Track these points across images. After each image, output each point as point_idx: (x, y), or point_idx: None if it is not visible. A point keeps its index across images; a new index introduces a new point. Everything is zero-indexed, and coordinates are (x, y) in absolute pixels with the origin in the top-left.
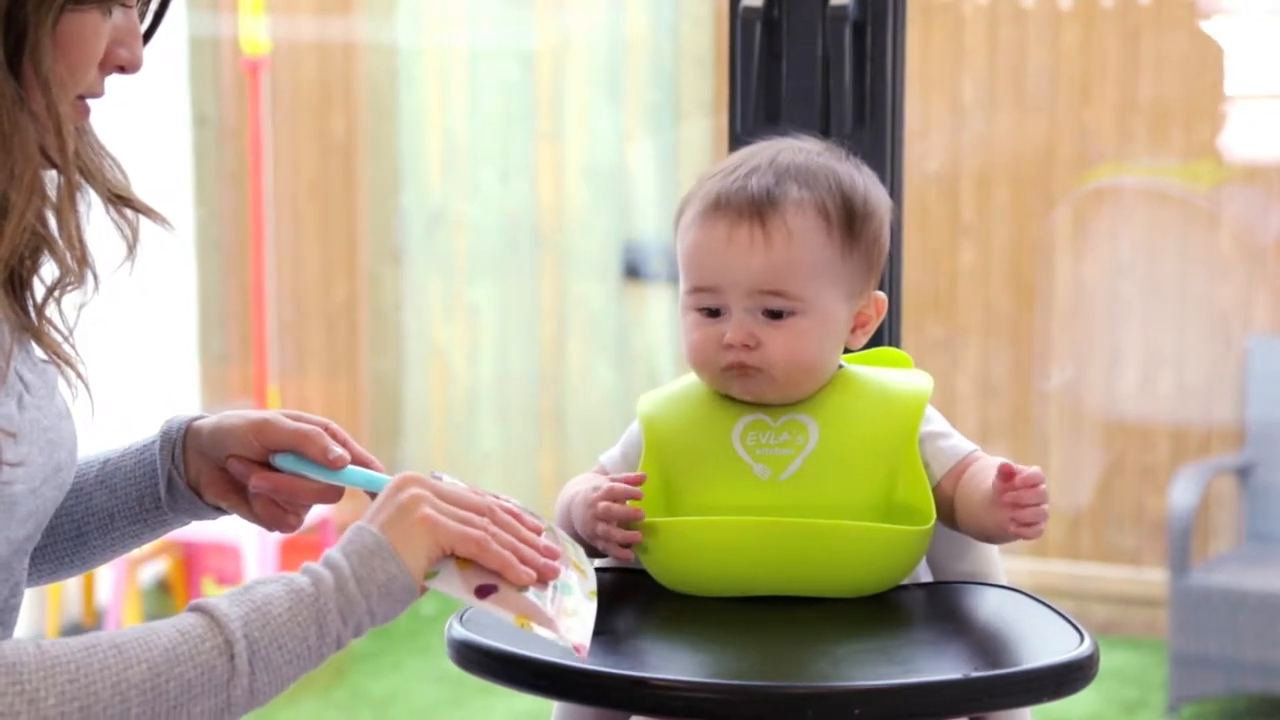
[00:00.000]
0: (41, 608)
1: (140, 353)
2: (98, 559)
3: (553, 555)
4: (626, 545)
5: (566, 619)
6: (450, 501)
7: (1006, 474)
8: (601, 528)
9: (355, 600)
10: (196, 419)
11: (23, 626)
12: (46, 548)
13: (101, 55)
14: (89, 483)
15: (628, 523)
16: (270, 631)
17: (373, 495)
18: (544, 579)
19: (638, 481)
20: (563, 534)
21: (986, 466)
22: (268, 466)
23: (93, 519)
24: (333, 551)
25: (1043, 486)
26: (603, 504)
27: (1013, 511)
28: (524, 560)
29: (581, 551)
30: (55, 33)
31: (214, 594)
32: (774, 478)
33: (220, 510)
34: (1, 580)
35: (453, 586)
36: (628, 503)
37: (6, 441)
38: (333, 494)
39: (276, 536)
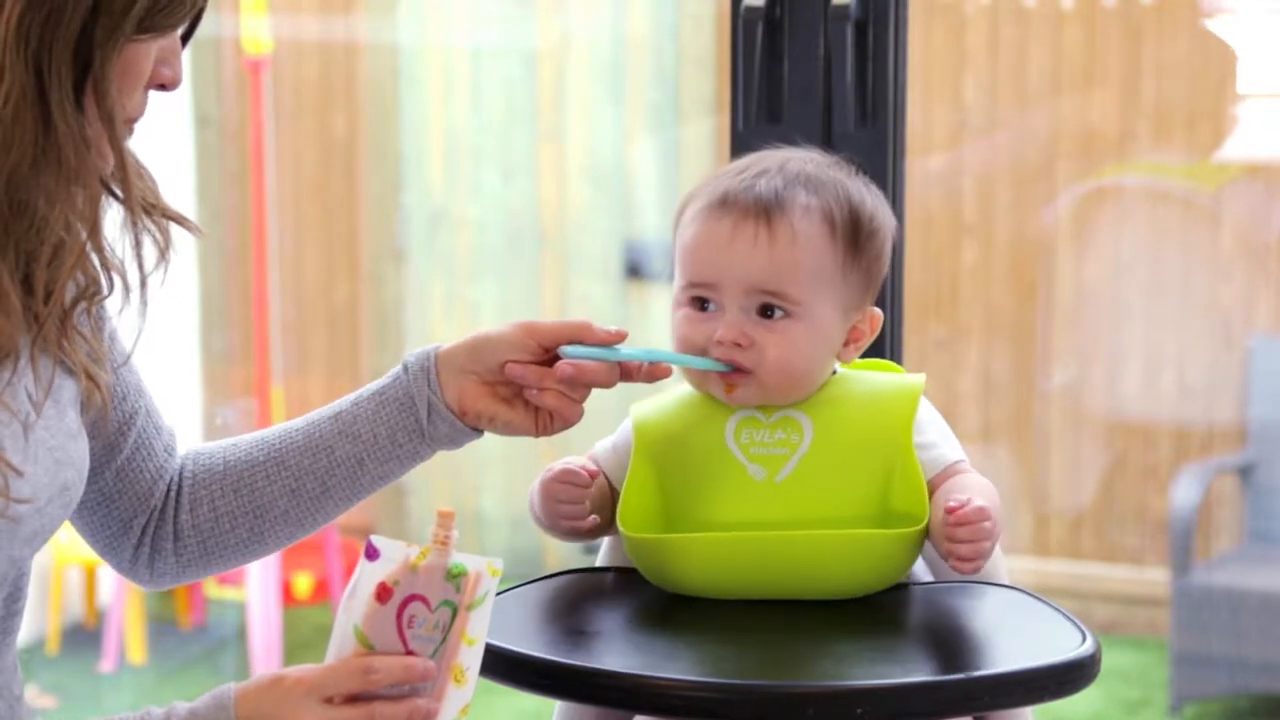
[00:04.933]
0: (43, 609)
1: (141, 352)
2: (340, 509)
3: (432, 717)
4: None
5: None
6: None
7: (949, 510)
8: (558, 509)
9: None
10: (438, 347)
11: (24, 629)
12: (288, 512)
13: (149, 77)
14: (326, 437)
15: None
16: None
17: (647, 371)
18: None
19: (586, 482)
20: (476, 573)
21: (958, 487)
22: (543, 365)
23: (338, 470)
24: None
25: (984, 524)
26: (557, 486)
27: (950, 546)
28: None
29: (484, 612)
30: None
31: (215, 594)
32: (769, 479)
33: (476, 432)
34: (7, 595)
35: None
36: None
37: (13, 476)
38: (614, 376)
39: None
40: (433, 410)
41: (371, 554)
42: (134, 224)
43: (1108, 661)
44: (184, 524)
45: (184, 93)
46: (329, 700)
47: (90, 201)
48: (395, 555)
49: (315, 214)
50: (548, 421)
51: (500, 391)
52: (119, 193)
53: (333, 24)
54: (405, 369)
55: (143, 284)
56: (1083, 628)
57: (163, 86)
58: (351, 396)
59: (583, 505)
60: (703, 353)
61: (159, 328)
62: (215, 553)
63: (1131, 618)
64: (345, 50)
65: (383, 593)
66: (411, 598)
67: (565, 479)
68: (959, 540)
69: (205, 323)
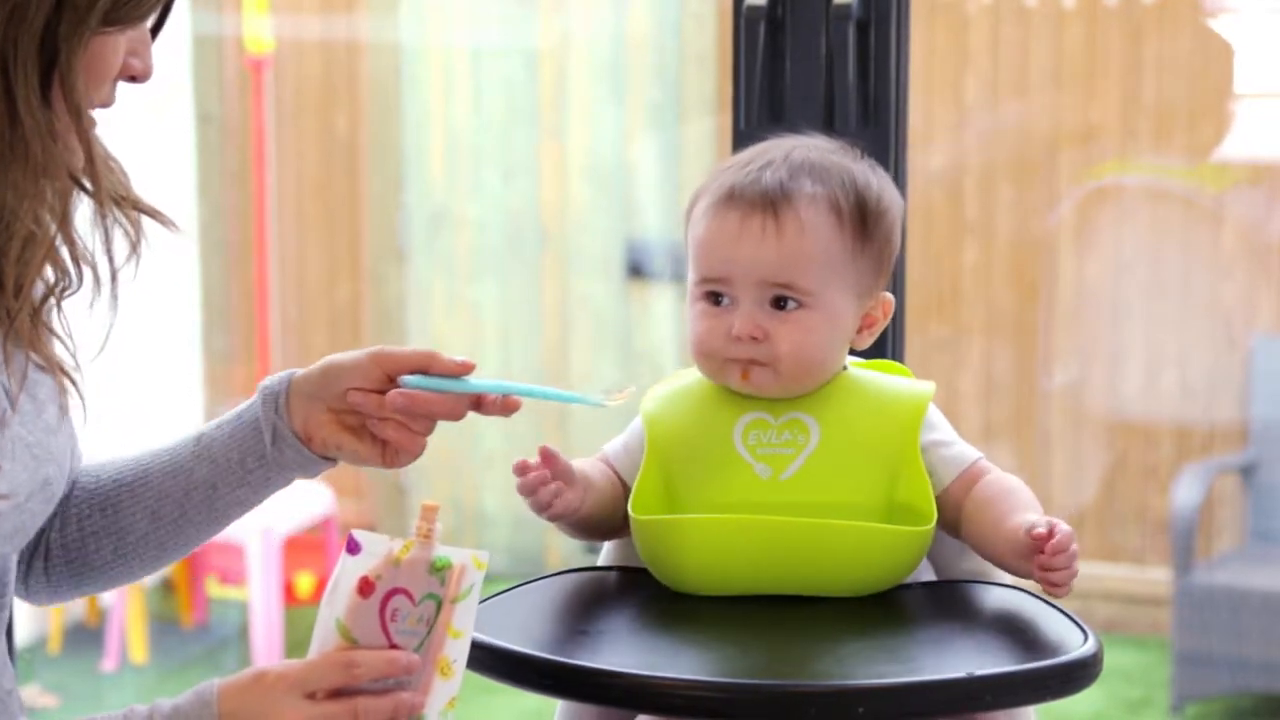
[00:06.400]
0: (45, 608)
1: (143, 351)
2: (202, 535)
3: (418, 710)
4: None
5: None
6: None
7: (1038, 539)
8: (530, 502)
9: None
10: (295, 372)
11: (26, 628)
12: (148, 535)
13: (119, 69)
14: (186, 459)
15: (542, 493)
16: None
17: (497, 403)
18: None
19: (545, 459)
20: (460, 565)
21: (999, 493)
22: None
23: (195, 493)
24: None
25: (1074, 548)
26: (521, 480)
27: (1044, 574)
28: None
29: (470, 604)
30: (84, 55)
31: (217, 594)
32: (775, 477)
33: (327, 461)
34: None
35: None
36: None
37: None
38: (460, 408)
39: (280, 535)
40: (278, 436)
41: (353, 548)
42: (103, 218)
43: (1109, 661)
44: (54, 541)
45: (186, 91)
46: (311, 696)
47: (59, 195)
48: (377, 549)
49: (317, 213)
50: (393, 454)
51: (347, 420)
52: (88, 186)
53: (334, 23)
54: (260, 393)
55: (113, 278)
56: (1084, 627)
57: (133, 78)
58: (216, 420)
59: (546, 488)
60: (719, 347)
61: (160, 327)
62: (82, 573)
63: (1133, 617)
64: (347, 50)
65: (365, 587)
66: (394, 591)
67: (518, 471)
68: (1056, 568)
69: (207, 322)
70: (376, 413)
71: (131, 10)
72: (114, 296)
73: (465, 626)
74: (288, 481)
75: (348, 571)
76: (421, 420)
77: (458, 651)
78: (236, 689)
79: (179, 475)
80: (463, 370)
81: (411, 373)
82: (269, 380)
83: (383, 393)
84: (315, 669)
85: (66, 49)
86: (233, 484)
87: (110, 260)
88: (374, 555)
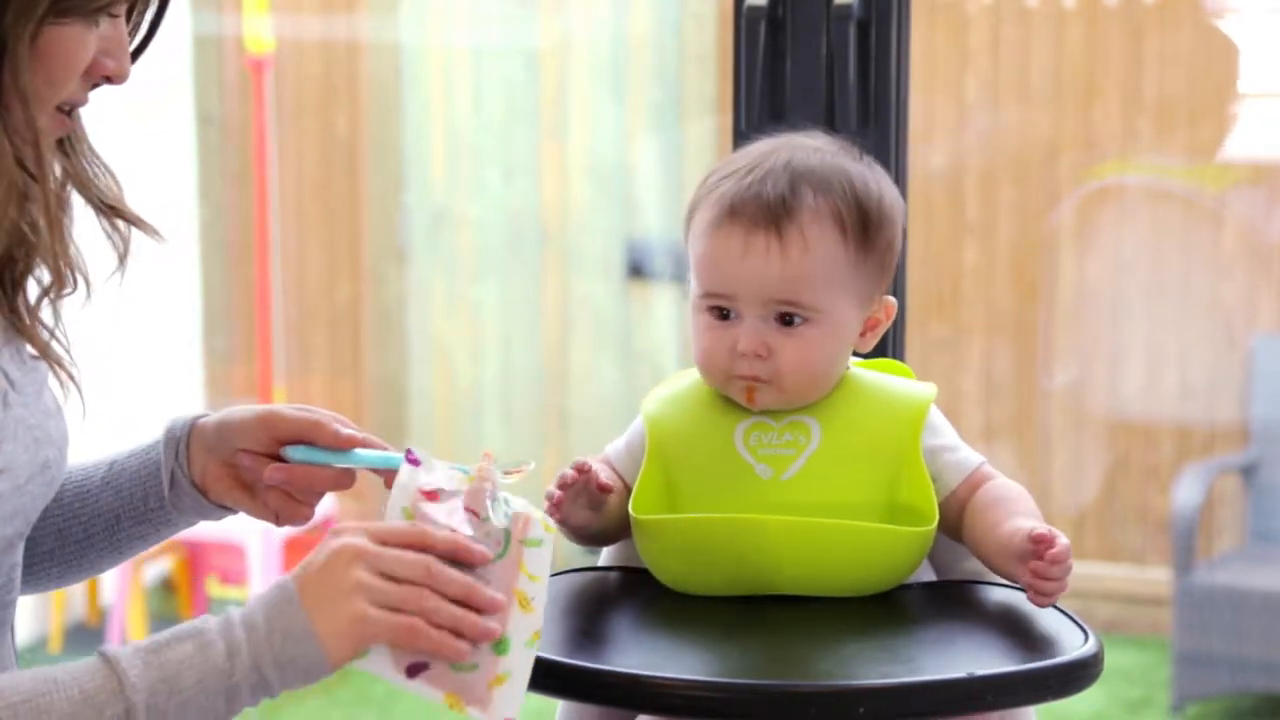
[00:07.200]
0: (46, 607)
1: (144, 352)
2: (105, 562)
3: (495, 608)
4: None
5: (499, 688)
6: (385, 570)
7: (1037, 540)
8: (551, 490)
9: (269, 679)
10: (200, 417)
11: (27, 627)
12: (54, 552)
13: (86, 66)
14: (95, 484)
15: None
16: (176, 703)
17: (386, 474)
18: (482, 641)
19: (604, 489)
20: (525, 514)
21: (1000, 498)
22: (277, 459)
23: (99, 521)
24: (257, 616)
25: (1070, 562)
26: (569, 473)
27: (1034, 580)
28: (462, 632)
29: (543, 555)
30: (35, 45)
31: (218, 594)
32: (775, 477)
33: (226, 510)
34: (1, 585)
35: (382, 667)
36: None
37: None
38: (347, 479)
39: (280, 535)
40: (175, 483)
41: (414, 460)
42: (47, 209)
43: (1110, 661)
44: None
45: (186, 91)
46: (384, 542)
47: (7, 184)
48: (437, 469)
49: (317, 213)
50: (283, 517)
51: (242, 475)
52: (34, 176)
53: (335, 23)
54: (164, 433)
55: (60, 268)
56: (1085, 627)
57: (108, 79)
58: (130, 448)
59: (574, 505)
60: (724, 362)
61: (160, 327)
62: None
63: (1133, 617)
64: (347, 49)
65: (431, 495)
66: (459, 509)
67: (559, 484)
68: (1051, 578)
69: (207, 322)
70: (261, 478)
71: (84, 2)
72: (60, 293)
73: (541, 572)
74: (189, 523)
75: (409, 480)
76: (303, 491)
77: (536, 590)
78: (311, 562)
79: (87, 499)
80: (348, 444)
81: (296, 440)
82: (173, 422)
83: (270, 456)
84: (389, 527)
85: (14, 37)
86: (134, 519)
87: (64, 250)
88: (435, 474)
